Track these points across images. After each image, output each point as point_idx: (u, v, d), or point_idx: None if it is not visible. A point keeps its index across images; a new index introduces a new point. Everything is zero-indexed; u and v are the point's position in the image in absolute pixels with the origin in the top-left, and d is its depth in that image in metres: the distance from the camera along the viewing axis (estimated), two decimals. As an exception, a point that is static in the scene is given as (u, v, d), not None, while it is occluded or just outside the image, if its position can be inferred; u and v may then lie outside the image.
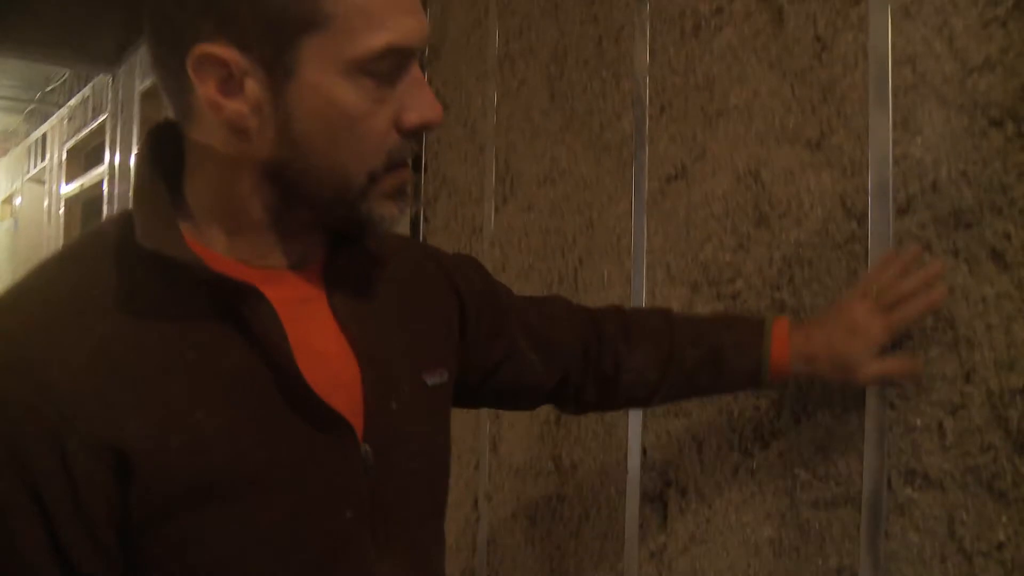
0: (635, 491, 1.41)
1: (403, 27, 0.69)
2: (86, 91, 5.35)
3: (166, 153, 0.76)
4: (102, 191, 4.85)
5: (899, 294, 0.98)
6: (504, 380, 1.01)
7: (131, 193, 0.73)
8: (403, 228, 1.92)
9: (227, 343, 0.71)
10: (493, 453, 1.76)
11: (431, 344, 0.89)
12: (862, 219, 1.08)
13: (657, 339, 1.06)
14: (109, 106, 4.75)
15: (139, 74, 4.26)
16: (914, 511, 1.02)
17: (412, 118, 0.72)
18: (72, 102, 5.69)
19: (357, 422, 0.77)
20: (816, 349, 1.02)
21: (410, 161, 0.76)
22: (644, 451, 1.40)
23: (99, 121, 4.98)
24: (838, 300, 1.05)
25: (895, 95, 1.04)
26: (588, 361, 1.05)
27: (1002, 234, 0.95)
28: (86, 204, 5.72)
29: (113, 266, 0.70)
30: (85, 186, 5.40)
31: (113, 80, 4.70)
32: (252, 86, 0.68)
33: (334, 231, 0.81)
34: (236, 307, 0.71)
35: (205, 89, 0.68)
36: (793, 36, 1.17)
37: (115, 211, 4.00)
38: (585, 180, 1.54)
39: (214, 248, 0.74)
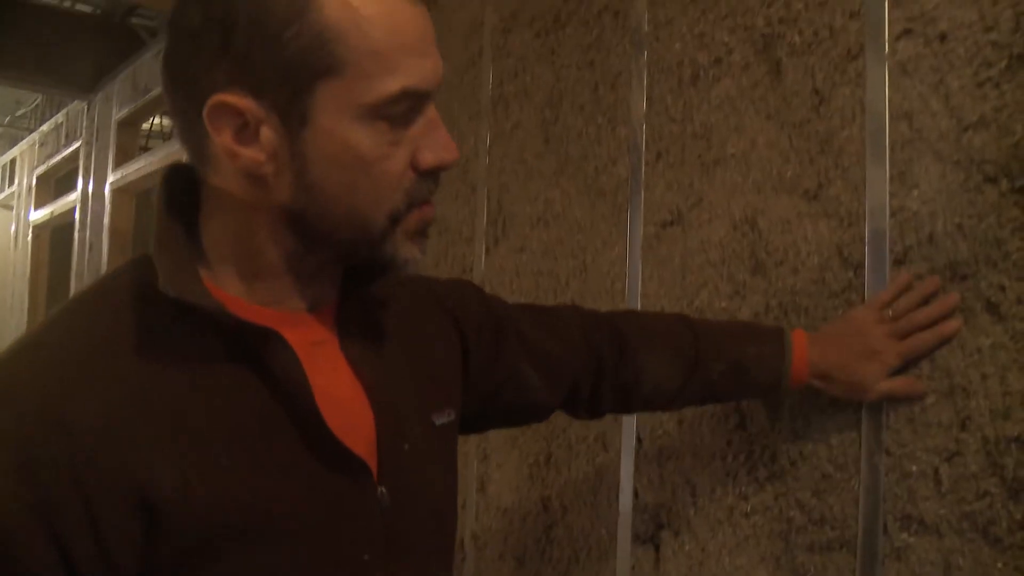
0: (627, 533, 1.42)
1: (417, 70, 0.70)
2: (59, 117, 5.31)
3: (180, 195, 0.76)
4: (73, 218, 4.80)
5: (916, 323, 1.03)
6: (507, 401, 1.02)
7: (152, 239, 0.72)
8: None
9: (247, 387, 0.71)
10: (481, 493, 1.76)
11: (437, 384, 0.90)
12: (859, 269, 1.11)
13: (681, 350, 1.08)
14: (84, 133, 4.72)
15: (116, 102, 4.24)
16: (910, 556, 1.04)
17: (428, 159, 0.73)
18: (44, 127, 5.64)
19: (372, 464, 0.77)
20: (831, 369, 1.07)
21: (432, 198, 0.76)
22: (636, 493, 1.41)
23: (73, 148, 4.94)
24: (852, 317, 1.07)
25: (892, 149, 1.08)
26: (604, 370, 1.07)
27: (997, 286, 0.98)
28: (55, 231, 5.66)
29: (132, 312, 0.70)
30: (56, 213, 5.34)
31: (88, 107, 4.68)
32: (268, 134, 0.69)
33: (349, 273, 0.82)
34: (256, 351, 0.71)
35: (221, 138, 0.69)
36: (791, 89, 1.20)
37: (87, 237, 3.93)
38: (579, 223, 1.57)
39: (231, 291, 0.75)
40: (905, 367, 1.05)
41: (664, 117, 1.40)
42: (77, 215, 4.71)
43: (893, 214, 1.07)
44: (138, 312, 0.70)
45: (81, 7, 4.06)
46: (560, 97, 1.63)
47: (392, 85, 0.68)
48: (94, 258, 4.35)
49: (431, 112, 0.73)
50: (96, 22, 4.11)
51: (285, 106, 0.68)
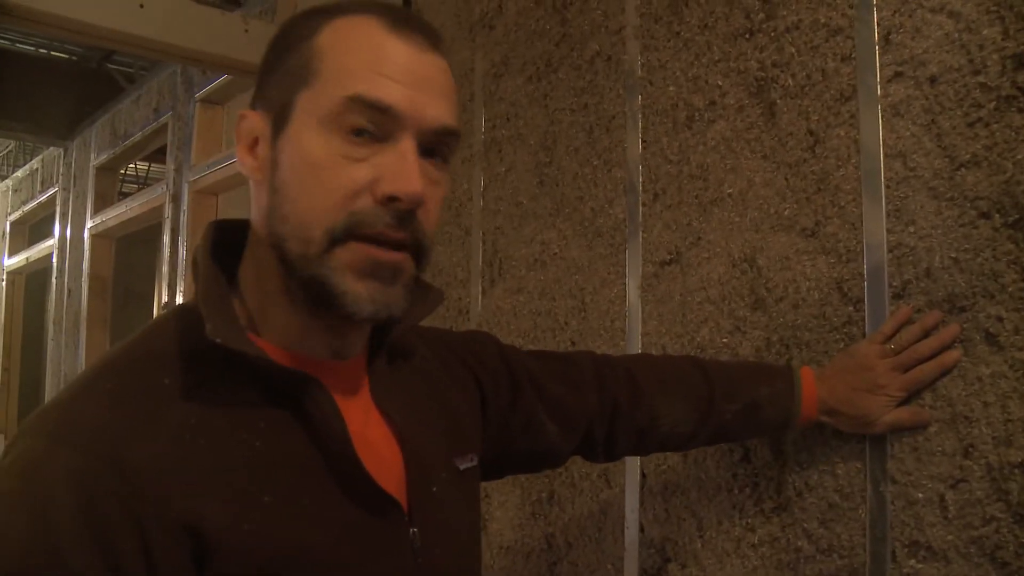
0: (633, 567, 1.43)
1: (377, 85, 0.72)
2: (34, 163, 5.30)
3: (224, 248, 0.80)
4: (50, 264, 4.77)
5: (918, 356, 1.07)
6: (524, 448, 1.05)
7: (199, 289, 0.76)
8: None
9: (285, 429, 0.74)
10: (483, 532, 1.77)
11: (459, 432, 0.93)
12: (859, 303, 1.14)
13: (695, 392, 1.11)
14: (60, 179, 4.71)
15: (95, 148, 4.24)
16: (919, 583, 1.06)
17: (383, 187, 0.72)
18: (19, 174, 5.62)
19: (403, 506, 0.79)
20: (838, 404, 1.10)
21: (395, 242, 0.73)
22: (642, 527, 1.43)
23: (49, 194, 4.92)
24: (856, 352, 1.11)
25: (887, 187, 1.12)
26: (618, 415, 1.09)
27: (995, 317, 1.02)
28: (31, 277, 5.62)
29: (179, 359, 0.73)
30: (31, 259, 5.30)
31: (65, 153, 4.67)
32: (263, 144, 0.77)
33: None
34: (295, 396, 0.74)
35: (239, 148, 0.78)
36: (786, 130, 1.25)
37: (66, 283, 3.88)
38: (577, 264, 1.60)
39: (267, 338, 0.78)
40: (908, 398, 1.09)
41: (660, 158, 1.44)
42: (55, 261, 4.68)
43: (891, 250, 1.11)
44: (185, 359, 0.73)
45: (57, 53, 4.07)
46: (554, 140, 1.67)
47: (345, 91, 0.72)
48: (73, 303, 4.31)
49: (405, 144, 0.73)
50: (73, 68, 4.12)
51: (275, 119, 0.76)
